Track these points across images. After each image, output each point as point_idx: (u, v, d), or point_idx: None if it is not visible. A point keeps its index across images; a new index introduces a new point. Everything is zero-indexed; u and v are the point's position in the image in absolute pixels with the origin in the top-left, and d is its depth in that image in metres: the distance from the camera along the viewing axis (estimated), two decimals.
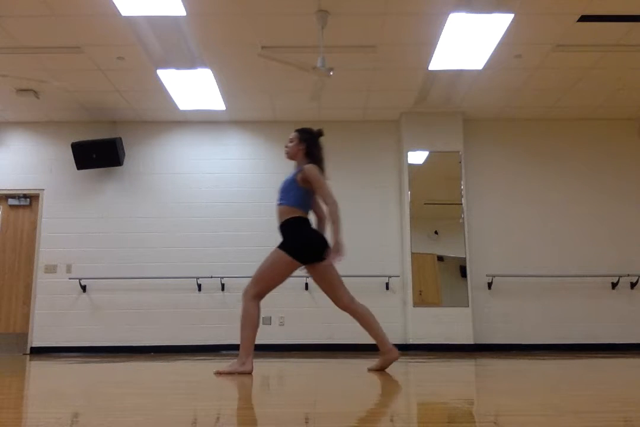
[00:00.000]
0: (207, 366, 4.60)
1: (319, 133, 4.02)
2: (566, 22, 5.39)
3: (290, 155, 4.02)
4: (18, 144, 7.83)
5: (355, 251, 7.53)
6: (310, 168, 3.80)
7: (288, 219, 3.82)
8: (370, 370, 3.87)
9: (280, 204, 3.89)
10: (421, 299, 7.28)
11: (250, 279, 3.82)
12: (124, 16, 5.22)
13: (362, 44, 5.81)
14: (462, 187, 7.52)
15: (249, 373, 3.65)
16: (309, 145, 3.94)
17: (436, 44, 5.77)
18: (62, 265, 7.51)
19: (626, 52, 5.99)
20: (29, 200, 7.82)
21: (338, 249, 3.68)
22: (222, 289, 7.46)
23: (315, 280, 3.89)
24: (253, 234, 7.58)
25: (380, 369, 3.88)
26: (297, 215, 3.81)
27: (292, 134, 4.04)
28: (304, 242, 3.77)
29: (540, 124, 7.87)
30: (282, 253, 3.74)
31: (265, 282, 3.77)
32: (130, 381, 3.36)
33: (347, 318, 6.76)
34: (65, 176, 7.73)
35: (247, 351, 3.70)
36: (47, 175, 7.74)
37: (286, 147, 4.04)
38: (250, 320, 3.72)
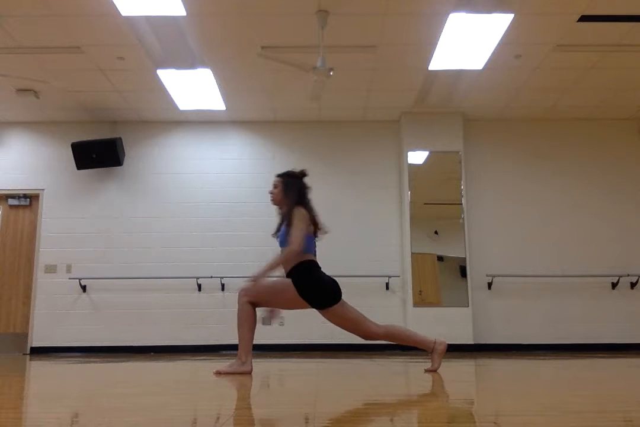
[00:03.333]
0: (207, 366, 4.60)
1: (302, 174, 3.92)
2: (566, 22, 5.39)
3: (276, 202, 3.90)
4: (18, 144, 7.83)
5: (355, 251, 7.54)
6: (295, 211, 3.72)
7: (295, 265, 3.72)
8: (428, 371, 3.78)
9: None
10: (421, 299, 7.27)
11: (243, 279, 3.80)
12: (124, 16, 5.21)
13: (362, 44, 5.80)
14: (462, 187, 7.52)
15: (249, 373, 3.65)
16: (293, 190, 3.82)
17: (436, 44, 5.76)
18: (62, 265, 7.51)
19: (626, 52, 5.99)
20: (29, 200, 7.82)
21: (256, 276, 3.66)
22: (222, 289, 7.46)
23: (335, 323, 3.78)
24: (253, 234, 7.57)
25: (438, 367, 3.78)
26: (304, 259, 3.72)
27: (275, 179, 3.92)
28: (318, 289, 3.68)
29: (540, 124, 7.87)
30: (296, 294, 3.66)
31: (268, 303, 3.74)
32: (130, 381, 3.36)
33: None
34: (65, 176, 7.73)
35: (245, 350, 3.69)
36: (47, 175, 7.74)
37: (271, 193, 3.91)
38: (247, 319, 3.69)
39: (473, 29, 5.44)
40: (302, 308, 3.76)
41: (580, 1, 5.03)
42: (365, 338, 3.81)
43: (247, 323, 3.70)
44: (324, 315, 3.77)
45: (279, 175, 3.94)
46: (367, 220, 7.57)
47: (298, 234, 3.66)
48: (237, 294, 3.78)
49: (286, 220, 3.77)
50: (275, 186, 3.90)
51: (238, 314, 3.72)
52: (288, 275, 3.76)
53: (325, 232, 3.85)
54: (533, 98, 7.19)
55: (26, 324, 7.49)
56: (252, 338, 3.71)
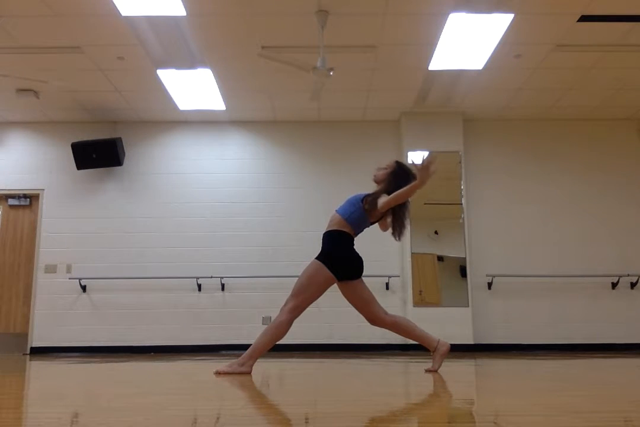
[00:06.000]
0: (207, 366, 4.60)
1: (413, 176, 3.73)
2: (566, 22, 5.39)
3: (377, 180, 3.88)
4: (18, 144, 7.83)
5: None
6: (382, 201, 3.67)
7: (335, 230, 3.77)
8: (428, 371, 3.78)
9: (337, 211, 3.83)
10: (421, 299, 7.28)
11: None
12: (124, 16, 5.22)
13: (362, 44, 5.81)
14: (462, 187, 7.52)
15: (248, 374, 3.65)
16: (397, 182, 3.73)
17: (436, 44, 5.77)
18: (62, 265, 7.51)
19: (626, 52, 5.99)
20: (29, 200, 7.82)
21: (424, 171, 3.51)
22: (222, 289, 7.46)
23: (348, 297, 3.81)
24: (253, 234, 7.58)
25: (439, 368, 3.78)
26: (345, 230, 3.76)
27: (391, 163, 3.90)
28: (344, 256, 3.73)
29: (540, 124, 7.87)
30: (321, 266, 3.68)
31: (304, 295, 3.69)
32: (130, 381, 3.36)
33: (347, 318, 6.79)
34: (65, 176, 7.73)
35: (253, 355, 3.67)
36: (47, 175, 7.74)
37: (378, 169, 3.89)
38: (277, 331, 3.64)
39: (473, 29, 5.45)
40: (330, 285, 3.73)
41: (580, 1, 5.03)
42: (372, 322, 3.82)
43: (274, 334, 3.65)
44: (341, 288, 3.79)
45: (397, 162, 3.90)
46: None
47: (385, 200, 3.62)
48: (283, 309, 3.68)
49: (365, 196, 3.77)
50: (386, 167, 3.88)
51: (273, 323, 3.67)
52: (324, 234, 3.79)
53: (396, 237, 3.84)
54: (533, 98, 7.19)
55: (26, 324, 7.49)
56: (268, 349, 3.69)
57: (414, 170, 3.64)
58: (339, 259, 3.72)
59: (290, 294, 3.73)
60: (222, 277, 7.42)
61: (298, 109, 7.51)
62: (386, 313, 3.82)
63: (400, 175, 3.79)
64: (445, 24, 5.38)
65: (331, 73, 5.41)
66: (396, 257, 7.52)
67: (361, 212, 3.77)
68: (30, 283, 7.58)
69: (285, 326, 3.66)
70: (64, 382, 3.33)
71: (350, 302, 3.84)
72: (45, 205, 7.68)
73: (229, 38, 5.67)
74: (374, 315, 3.79)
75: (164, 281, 7.45)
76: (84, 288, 7.45)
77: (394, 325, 3.82)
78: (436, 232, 7.43)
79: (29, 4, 5.04)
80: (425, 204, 7.51)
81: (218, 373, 3.64)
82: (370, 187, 8.16)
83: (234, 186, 7.74)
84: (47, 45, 5.81)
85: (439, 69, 6.37)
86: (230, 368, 3.66)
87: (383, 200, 3.66)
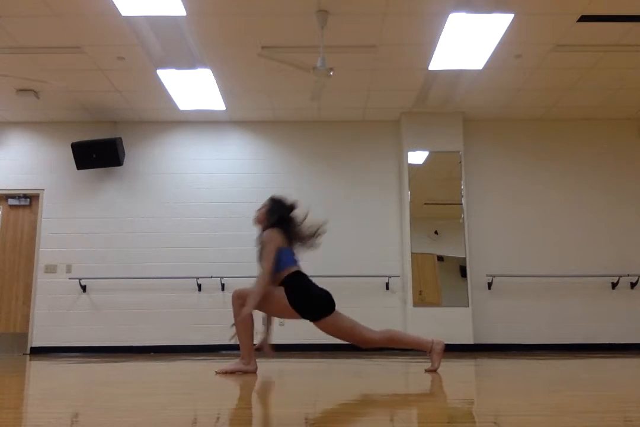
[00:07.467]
0: (207, 366, 4.60)
1: (292, 207, 3.94)
2: (566, 22, 5.39)
3: (258, 221, 3.99)
4: (18, 144, 7.83)
5: (355, 251, 7.54)
6: (267, 232, 3.79)
7: (285, 278, 3.73)
8: (428, 371, 3.78)
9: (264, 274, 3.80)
10: (421, 299, 7.27)
11: (249, 279, 3.79)
12: (124, 16, 5.22)
13: (362, 44, 5.80)
14: (462, 187, 7.52)
15: (254, 372, 3.66)
16: (278, 218, 3.87)
17: (436, 44, 5.77)
18: (62, 265, 7.51)
19: (626, 52, 5.99)
20: (29, 200, 7.82)
21: (245, 310, 3.59)
22: (222, 289, 7.46)
23: (330, 333, 3.75)
24: (253, 234, 7.49)
25: (439, 366, 3.78)
26: (290, 272, 3.74)
27: (266, 201, 4.01)
28: (308, 299, 3.68)
29: (540, 124, 7.87)
30: (288, 307, 3.66)
31: (262, 308, 3.74)
32: (130, 381, 3.35)
33: None
34: (65, 176, 7.73)
35: (247, 349, 3.71)
36: (47, 175, 7.74)
37: (256, 211, 4.01)
38: (243, 321, 3.68)
39: (473, 29, 5.44)
40: (294, 318, 3.74)
41: (580, 1, 5.03)
42: (364, 345, 3.77)
43: (243, 324, 3.68)
44: (317, 326, 3.74)
45: (270, 199, 4.02)
46: (367, 220, 7.56)
47: (269, 255, 3.71)
48: (232, 296, 3.76)
49: (260, 242, 3.84)
50: (263, 206, 4.00)
51: (234, 317, 3.71)
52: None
53: (313, 247, 3.89)
54: (533, 98, 7.19)
55: (26, 324, 7.49)
56: (252, 337, 3.71)
57: (289, 200, 3.92)
58: (310, 306, 3.67)
59: (249, 289, 3.71)
60: (222, 277, 7.42)
61: (298, 109, 7.51)
62: (374, 332, 3.74)
63: (275, 209, 3.93)
64: (445, 24, 5.38)
65: (331, 73, 5.41)
66: (396, 257, 7.51)
67: (281, 253, 3.76)
68: (30, 283, 7.58)
69: (249, 315, 3.66)
70: (64, 382, 3.33)
71: (334, 337, 3.77)
72: (45, 205, 7.68)
73: (229, 38, 5.67)
74: (363, 339, 3.72)
75: (164, 281, 7.45)
76: (84, 288, 7.45)
77: (385, 340, 3.76)
78: (436, 232, 7.43)
79: (29, 4, 5.04)
80: (425, 204, 7.51)
81: (224, 372, 3.64)
82: (368, 191, 8.16)
83: (233, 186, 7.74)
84: (47, 45, 5.81)
85: (439, 69, 6.37)
86: (236, 366, 3.68)
87: (265, 256, 3.73)
